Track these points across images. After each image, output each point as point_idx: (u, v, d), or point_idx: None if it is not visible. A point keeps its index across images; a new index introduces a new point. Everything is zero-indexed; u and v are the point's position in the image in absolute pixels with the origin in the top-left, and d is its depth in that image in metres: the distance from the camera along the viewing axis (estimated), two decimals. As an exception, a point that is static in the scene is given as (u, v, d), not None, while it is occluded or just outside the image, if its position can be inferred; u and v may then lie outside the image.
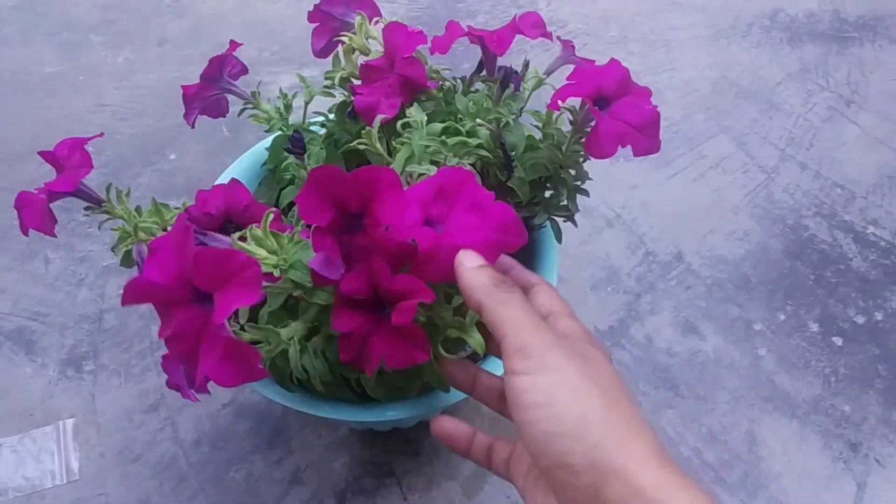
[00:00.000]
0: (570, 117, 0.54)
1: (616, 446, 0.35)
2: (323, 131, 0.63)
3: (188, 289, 0.36)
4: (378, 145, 0.51)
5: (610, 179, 0.97)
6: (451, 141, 0.50)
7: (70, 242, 0.90)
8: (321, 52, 0.63)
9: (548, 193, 0.60)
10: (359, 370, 0.46)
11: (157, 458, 0.74)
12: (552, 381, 0.37)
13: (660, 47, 1.16)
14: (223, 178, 0.67)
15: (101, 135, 0.52)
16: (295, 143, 0.55)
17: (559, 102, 0.50)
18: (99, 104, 1.06)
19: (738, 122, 1.05)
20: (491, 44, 0.53)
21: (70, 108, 1.06)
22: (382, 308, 0.42)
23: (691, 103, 1.08)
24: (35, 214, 0.49)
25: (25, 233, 0.51)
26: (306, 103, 0.62)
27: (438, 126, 0.49)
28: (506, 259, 0.48)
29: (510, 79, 0.55)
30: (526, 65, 0.58)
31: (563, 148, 0.56)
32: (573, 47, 0.59)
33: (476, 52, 0.58)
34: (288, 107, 0.61)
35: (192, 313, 0.36)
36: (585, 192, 0.60)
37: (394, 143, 0.51)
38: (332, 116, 0.64)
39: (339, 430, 0.76)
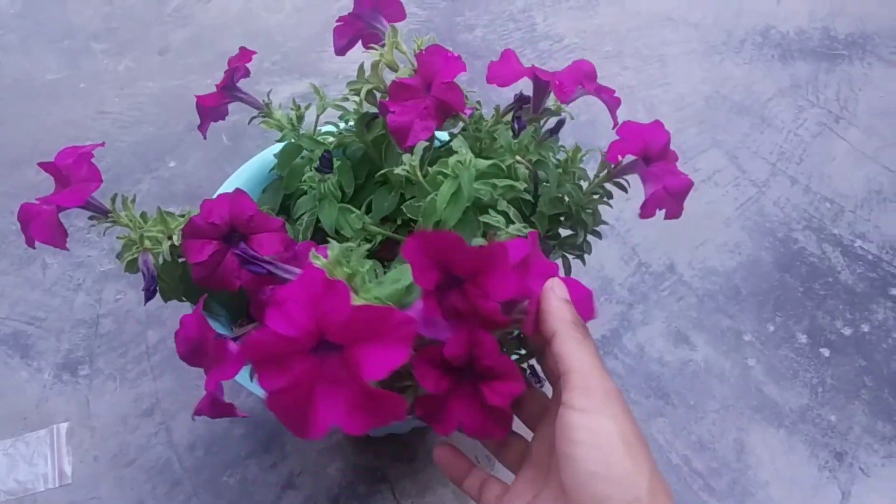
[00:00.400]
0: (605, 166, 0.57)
1: None
2: (331, 140, 0.64)
3: (311, 342, 0.36)
4: (420, 175, 0.52)
5: (603, 191, 0.98)
6: (501, 184, 0.51)
7: (68, 247, 0.90)
8: (342, 51, 0.63)
9: (563, 232, 0.62)
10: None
11: (151, 462, 0.75)
12: (609, 427, 0.38)
13: (654, 62, 1.17)
14: (230, 183, 0.68)
15: (103, 144, 0.53)
16: (324, 162, 0.56)
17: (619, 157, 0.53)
18: (100, 111, 1.07)
19: (730, 137, 1.07)
20: (556, 90, 0.53)
21: (71, 115, 1.07)
22: (466, 371, 0.43)
23: (685, 117, 1.09)
24: (44, 228, 0.49)
25: (32, 245, 0.51)
26: (318, 115, 0.63)
27: (483, 163, 0.50)
28: None
29: (560, 127, 0.56)
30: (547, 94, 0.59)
31: (584, 188, 0.58)
32: (595, 78, 0.60)
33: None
34: (300, 117, 0.62)
35: (311, 363, 0.36)
36: (598, 235, 0.62)
37: (431, 169, 0.52)
38: (343, 126, 0.65)
39: (333, 435, 0.76)
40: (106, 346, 0.83)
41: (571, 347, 0.40)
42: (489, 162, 0.50)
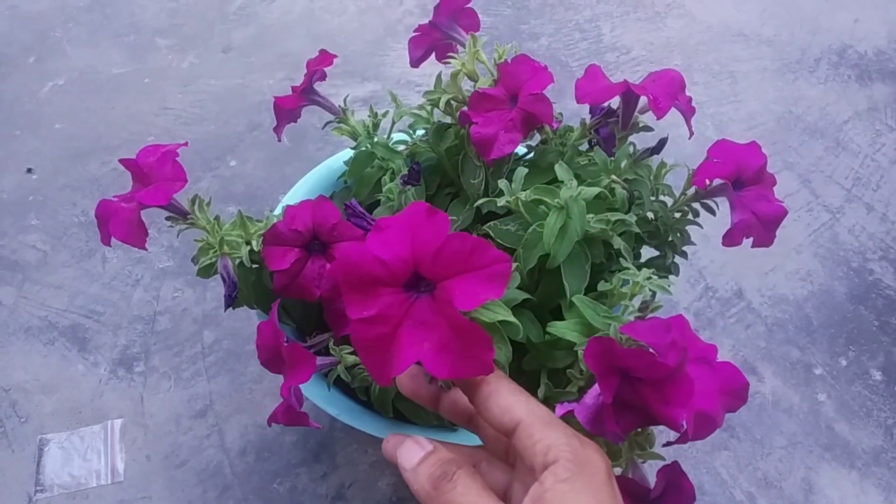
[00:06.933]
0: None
1: None
2: (402, 148, 0.62)
3: (405, 272, 0.35)
4: (524, 210, 0.50)
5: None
6: (614, 218, 0.49)
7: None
8: (417, 62, 0.62)
9: (647, 253, 0.60)
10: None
11: (202, 464, 0.74)
12: None
13: (724, 78, 1.14)
14: (298, 188, 0.68)
15: (186, 144, 0.52)
16: (412, 174, 0.55)
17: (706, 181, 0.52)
18: (163, 107, 1.08)
19: (803, 159, 1.03)
20: (652, 105, 0.51)
21: (134, 110, 1.07)
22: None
23: (756, 137, 1.04)
24: (124, 225, 0.48)
25: (108, 243, 0.50)
26: (394, 121, 0.62)
27: (591, 191, 0.48)
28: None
29: (662, 146, 0.54)
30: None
31: (670, 205, 0.57)
32: (685, 89, 0.57)
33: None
34: (376, 124, 0.61)
35: (399, 299, 0.35)
36: (685, 255, 0.60)
37: (524, 195, 0.49)
38: (418, 134, 0.63)
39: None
40: (162, 344, 0.82)
41: (553, 433, 0.36)
42: (597, 190, 0.48)
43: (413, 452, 0.38)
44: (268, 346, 0.47)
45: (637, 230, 0.51)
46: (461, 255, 0.34)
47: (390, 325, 0.35)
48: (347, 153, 0.67)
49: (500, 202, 0.48)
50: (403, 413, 0.56)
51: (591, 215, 0.48)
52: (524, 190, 0.48)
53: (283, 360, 0.47)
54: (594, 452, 0.36)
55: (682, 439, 0.41)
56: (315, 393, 0.57)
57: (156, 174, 0.48)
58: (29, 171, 0.99)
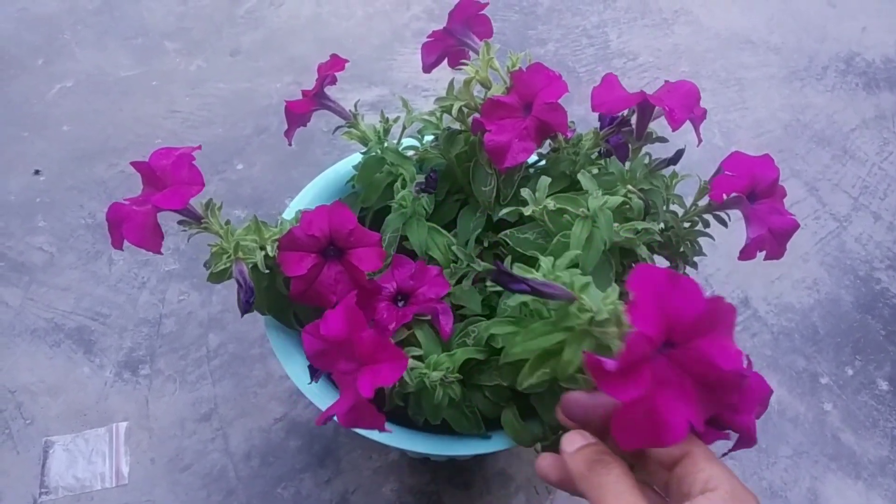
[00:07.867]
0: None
1: None
2: (411, 153, 0.62)
3: (661, 342, 0.35)
4: (547, 220, 0.50)
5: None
6: (640, 227, 0.49)
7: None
8: (430, 67, 0.62)
9: (657, 263, 0.60)
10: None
11: (206, 468, 0.74)
12: None
13: (732, 85, 1.14)
14: (306, 192, 0.67)
15: (199, 147, 0.52)
16: (429, 182, 0.55)
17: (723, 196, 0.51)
18: (170, 110, 1.08)
19: (810, 167, 1.03)
20: (668, 117, 0.51)
21: (142, 112, 1.08)
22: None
23: (763, 144, 1.05)
24: (139, 230, 0.47)
25: (119, 247, 0.49)
26: (404, 127, 0.62)
27: (615, 201, 0.48)
28: None
29: (679, 157, 0.54)
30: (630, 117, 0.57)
31: (680, 216, 0.56)
32: (700, 100, 0.57)
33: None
34: (387, 130, 0.60)
35: (655, 367, 0.35)
36: (695, 265, 0.60)
37: (547, 203, 0.49)
38: (426, 140, 0.63)
39: (389, 453, 0.75)
40: (167, 347, 0.82)
41: (593, 496, 0.37)
42: (620, 200, 0.48)
43: (577, 439, 0.40)
44: (333, 337, 0.44)
45: (659, 240, 0.51)
46: (715, 317, 0.35)
47: (651, 395, 0.35)
48: (355, 158, 0.67)
49: (527, 211, 0.48)
50: (448, 420, 0.55)
51: (616, 225, 0.48)
52: (521, 188, 0.48)
53: (346, 355, 0.44)
54: (752, 500, 0.37)
55: (743, 445, 0.41)
56: (323, 400, 0.57)
57: (170, 178, 0.48)
58: (36, 172, 1.00)
